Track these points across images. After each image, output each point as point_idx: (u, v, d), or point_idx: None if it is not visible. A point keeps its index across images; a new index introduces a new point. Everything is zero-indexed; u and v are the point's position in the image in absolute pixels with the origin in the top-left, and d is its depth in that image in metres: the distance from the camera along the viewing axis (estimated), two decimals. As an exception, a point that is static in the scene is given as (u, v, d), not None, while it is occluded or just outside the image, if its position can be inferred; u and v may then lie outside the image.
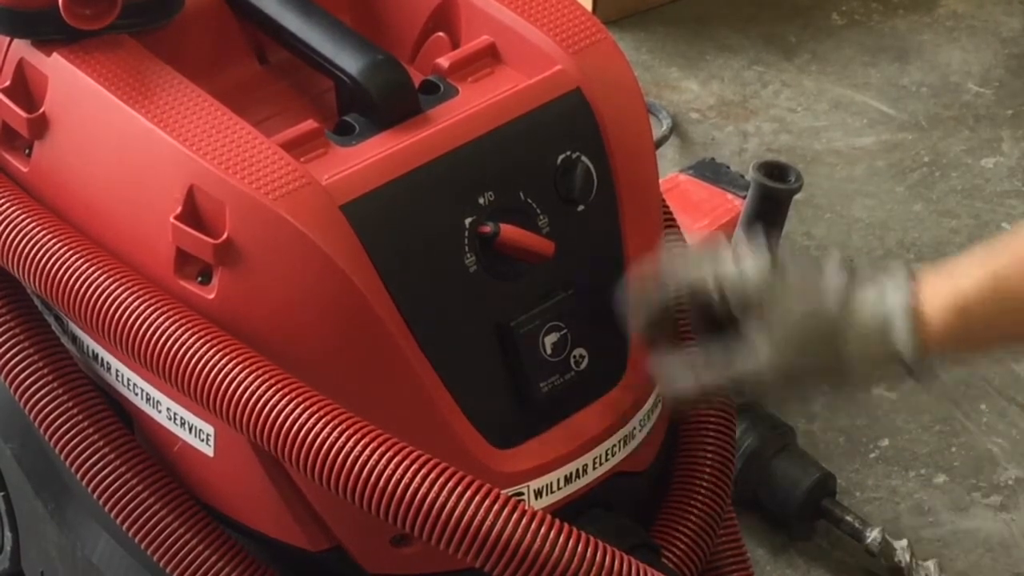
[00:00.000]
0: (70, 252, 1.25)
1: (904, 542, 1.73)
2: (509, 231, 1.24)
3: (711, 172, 2.03)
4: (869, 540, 1.73)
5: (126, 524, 1.28)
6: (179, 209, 1.21)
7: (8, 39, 1.31)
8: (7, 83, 1.31)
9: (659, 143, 2.21)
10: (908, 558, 1.72)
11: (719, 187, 2.01)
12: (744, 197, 1.87)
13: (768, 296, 1.19)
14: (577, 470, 1.28)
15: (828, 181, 2.21)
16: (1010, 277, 1.15)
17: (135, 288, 1.22)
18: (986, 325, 1.16)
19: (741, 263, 1.21)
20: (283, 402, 1.14)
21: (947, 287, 1.16)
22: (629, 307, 1.24)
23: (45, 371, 1.32)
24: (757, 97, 2.36)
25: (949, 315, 1.16)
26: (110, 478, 1.28)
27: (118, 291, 1.22)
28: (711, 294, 1.22)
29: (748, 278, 1.20)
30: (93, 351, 1.32)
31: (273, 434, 1.14)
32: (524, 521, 1.11)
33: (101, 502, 1.29)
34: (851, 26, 2.49)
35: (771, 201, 1.80)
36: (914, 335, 1.16)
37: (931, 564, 1.73)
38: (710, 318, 1.22)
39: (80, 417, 1.30)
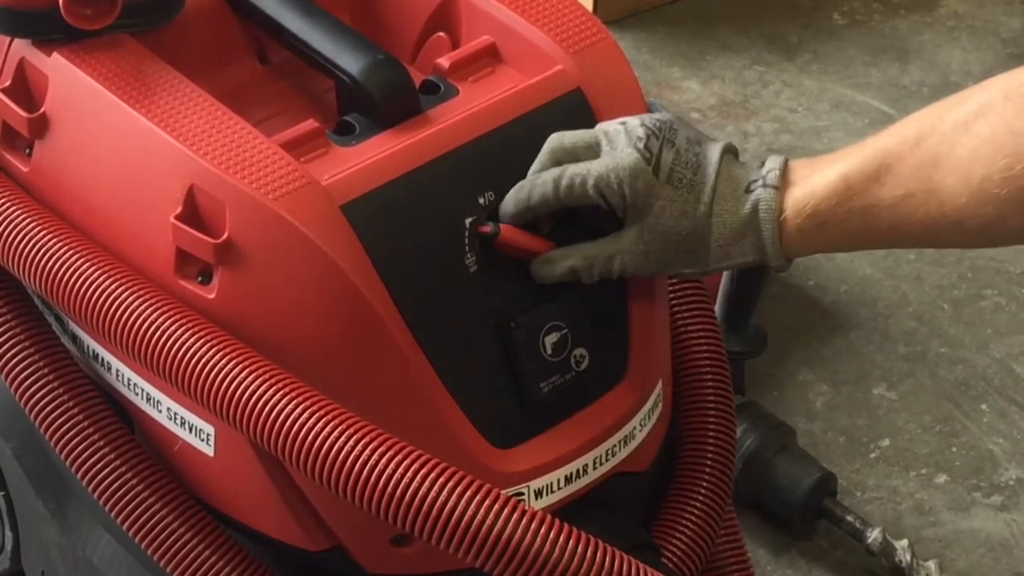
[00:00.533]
0: (70, 252, 1.25)
1: (905, 542, 1.73)
2: (509, 231, 1.24)
3: (712, 172, 2.03)
4: (870, 540, 1.73)
5: (126, 524, 1.28)
6: (179, 209, 1.21)
7: (8, 39, 1.31)
8: (7, 83, 1.31)
9: (660, 143, 2.21)
10: (909, 558, 1.72)
11: (720, 187, 2.01)
12: (745, 197, 1.87)
13: (644, 196, 1.22)
14: (577, 470, 1.28)
15: (829, 181, 2.21)
16: (857, 181, 1.19)
17: (135, 288, 1.22)
18: (836, 227, 1.20)
19: (612, 156, 1.22)
20: (283, 402, 1.14)
21: (804, 189, 1.21)
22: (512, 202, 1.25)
23: (46, 371, 1.32)
24: (758, 97, 2.36)
25: (804, 218, 1.20)
26: (110, 478, 1.28)
27: (118, 291, 1.22)
28: (589, 200, 1.23)
29: (624, 177, 1.22)
30: (93, 351, 1.32)
31: (273, 434, 1.14)
32: (524, 521, 1.11)
33: (101, 502, 1.29)
34: (852, 26, 2.49)
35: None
36: (774, 238, 1.21)
37: (932, 564, 1.73)
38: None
39: (80, 417, 1.30)
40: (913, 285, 2.08)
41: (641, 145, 1.23)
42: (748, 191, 1.22)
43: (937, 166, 1.16)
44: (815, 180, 1.21)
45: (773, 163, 1.23)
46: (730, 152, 1.25)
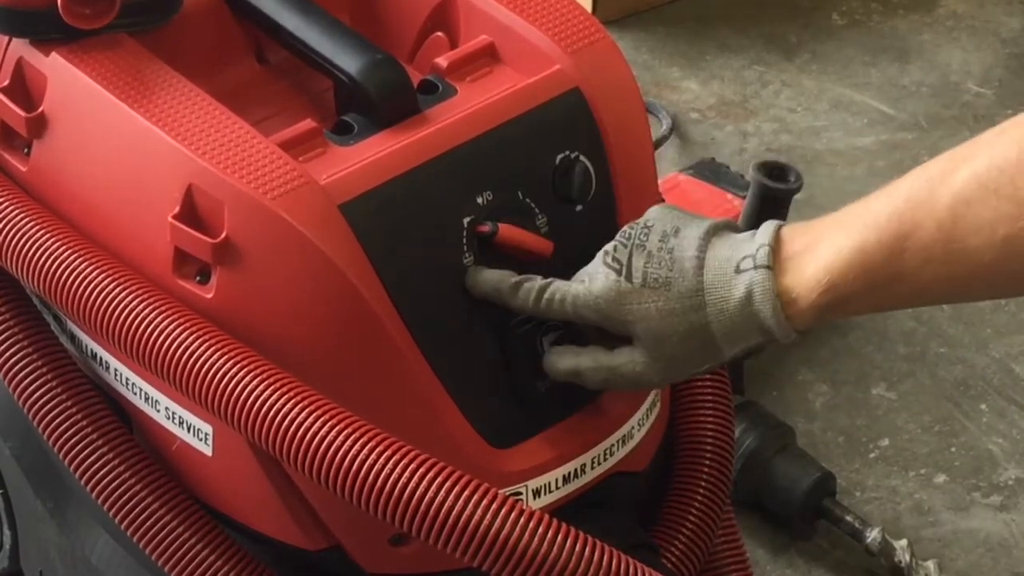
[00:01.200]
0: (69, 251, 1.25)
1: (904, 542, 1.73)
2: (507, 230, 1.24)
3: (711, 172, 2.04)
4: (869, 540, 1.73)
5: (125, 523, 1.28)
6: (177, 208, 1.21)
7: (7, 38, 1.31)
8: (6, 82, 1.31)
9: (659, 143, 2.21)
10: (908, 558, 1.72)
11: (719, 187, 2.01)
12: (744, 197, 1.86)
13: (620, 308, 1.19)
14: (575, 470, 1.28)
15: (828, 181, 2.21)
16: (876, 253, 1.13)
17: (134, 287, 1.22)
18: (856, 299, 1.15)
19: (590, 280, 1.21)
20: (281, 401, 1.14)
21: (815, 264, 1.15)
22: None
23: (44, 370, 1.32)
24: (757, 97, 2.36)
25: (819, 295, 1.14)
26: (109, 477, 1.28)
27: (116, 290, 1.22)
28: (571, 318, 1.22)
29: (598, 296, 1.20)
30: (92, 350, 1.32)
31: (271, 433, 1.14)
32: (522, 521, 1.11)
33: (100, 501, 1.29)
34: (851, 26, 2.49)
35: (771, 201, 1.80)
36: (779, 315, 1.15)
37: (931, 564, 1.73)
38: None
39: (79, 416, 1.30)
40: (913, 285, 2.08)
41: (609, 259, 1.20)
42: (738, 271, 1.17)
43: (957, 227, 1.10)
44: (824, 253, 1.15)
45: (764, 236, 1.17)
46: (719, 230, 1.20)
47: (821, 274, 1.14)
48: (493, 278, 1.23)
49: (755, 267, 1.16)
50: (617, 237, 1.22)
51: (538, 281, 1.23)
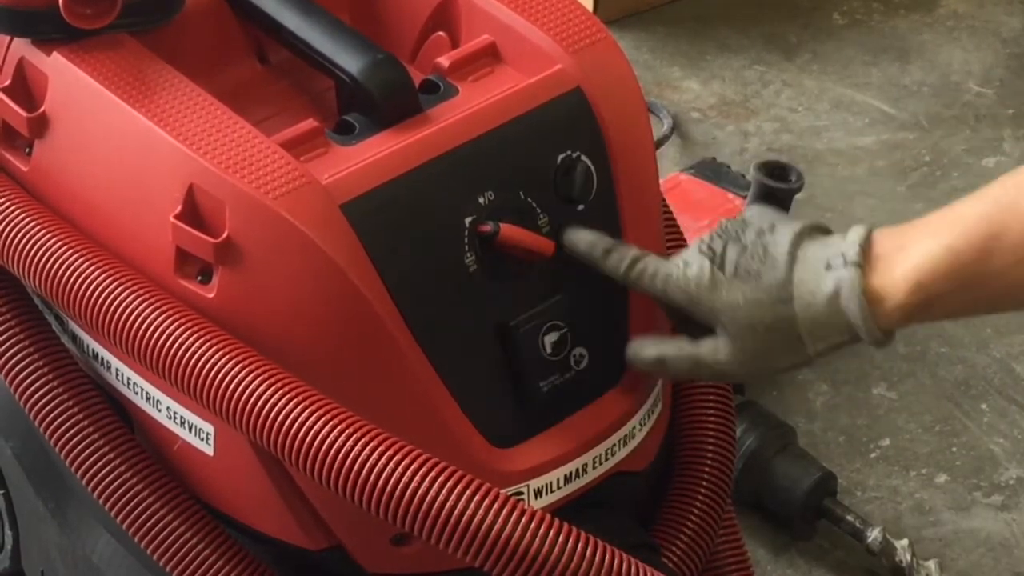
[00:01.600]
0: (70, 251, 1.25)
1: (905, 542, 1.73)
2: (509, 230, 1.24)
3: (712, 172, 2.03)
4: (870, 540, 1.73)
5: (126, 523, 1.28)
6: (179, 208, 1.21)
7: (8, 38, 1.31)
8: (7, 82, 1.31)
9: (660, 143, 2.21)
10: (909, 558, 1.72)
11: (720, 187, 2.01)
12: (745, 197, 1.86)
13: (711, 294, 1.21)
14: (577, 469, 1.28)
15: (829, 181, 2.21)
16: (966, 253, 1.14)
17: (135, 287, 1.22)
18: (943, 301, 1.16)
19: (685, 265, 1.22)
20: (283, 401, 1.14)
21: (904, 264, 1.16)
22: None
23: (45, 370, 1.32)
24: (758, 97, 2.36)
25: (906, 295, 1.16)
26: (110, 477, 1.28)
27: (118, 290, 1.22)
28: (659, 295, 1.24)
29: (690, 279, 1.22)
30: (93, 350, 1.32)
31: (272, 433, 1.14)
32: (524, 520, 1.11)
33: (101, 501, 1.29)
34: (852, 26, 2.49)
35: (772, 201, 1.80)
36: (866, 313, 1.16)
37: (932, 564, 1.73)
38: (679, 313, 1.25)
39: (80, 416, 1.30)
40: (913, 285, 2.08)
41: (704, 247, 1.22)
42: (828, 268, 1.18)
43: None
44: (913, 254, 1.16)
45: (856, 236, 1.18)
46: (813, 231, 1.21)
47: (910, 274, 1.16)
48: (588, 238, 1.25)
49: (845, 264, 1.17)
50: (715, 229, 1.23)
51: (632, 251, 1.25)
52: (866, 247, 1.18)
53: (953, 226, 1.16)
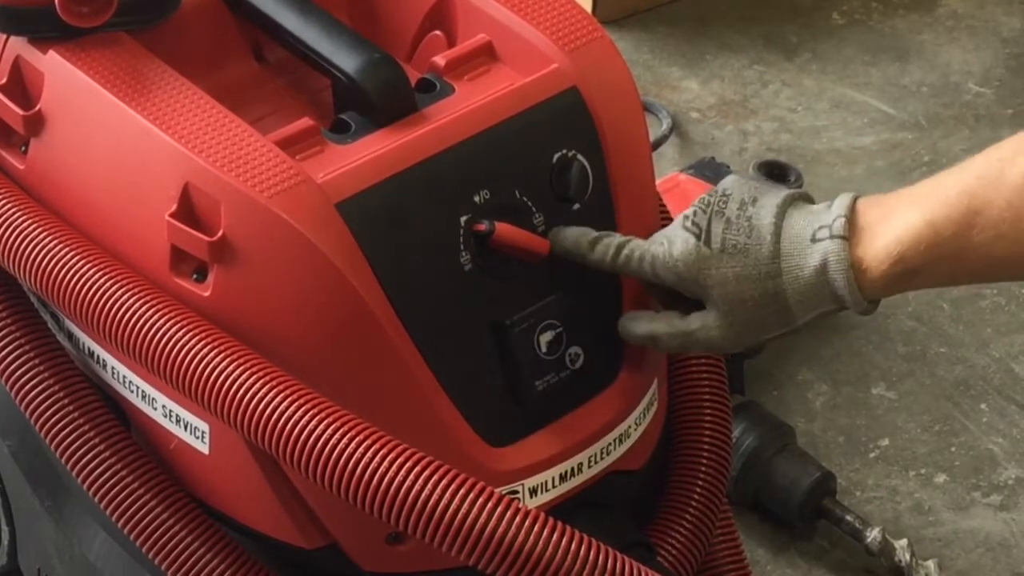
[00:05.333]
0: (66, 249, 1.25)
1: (904, 541, 1.73)
2: (504, 229, 1.24)
3: (711, 172, 2.03)
4: (869, 540, 1.73)
5: (122, 521, 1.28)
6: (174, 207, 1.21)
7: (4, 36, 1.31)
8: (3, 80, 1.31)
9: (659, 142, 2.21)
10: (908, 557, 1.72)
11: (719, 186, 2.00)
12: (744, 196, 1.86)
13: (699, 272, 1.21)
14: (572, 468, 1.28)
15: (828, 180, 2.21)
16: (946, 227, 1.15)
17: (131, 285, 1.22)
18: (925, 272, 1.17)
19: (670, 243, 1.23)
20: (278, 399, 1.14)
21: (886, 236, 1.17)
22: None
23: (41, 368, 1.32)
24: (757, 96, 2.36)
25: (888, 266, 1.17)
26: (106, 475, 1.28)
27: (114, 288, 1.22)
28: (648, 277, 1.24)
29: (677, 259, 1.22)
30: (89, 348, 1.32)
31: (268, 431, 1.14)
32: (518, 519, 1.11)
33: (97, 499, 1.29)
34: (851, 26, 2.49)
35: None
36: (852, 284, 1.18)
37: (931, 564, 1.73)
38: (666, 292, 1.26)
39: (76, 414, 1.30)
40: (913, 285, 2.08)
41: (688, 223, 1.23)
42: (814, 240, 1.19)
43: None
44: (896, 225, 1.17)
45: (840, 207, 1.19)
46: (796, 200, 1.22)
47: (892, 246, 1.17)
48: (573, 234, 1.26)
49: (831, 237, 1.18)
50: (695, 203, 1.24)
51: (616, 238, 1.25)
52: (851, 218, 1.18)
53: (936, 198, 1.16)
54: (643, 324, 1.27)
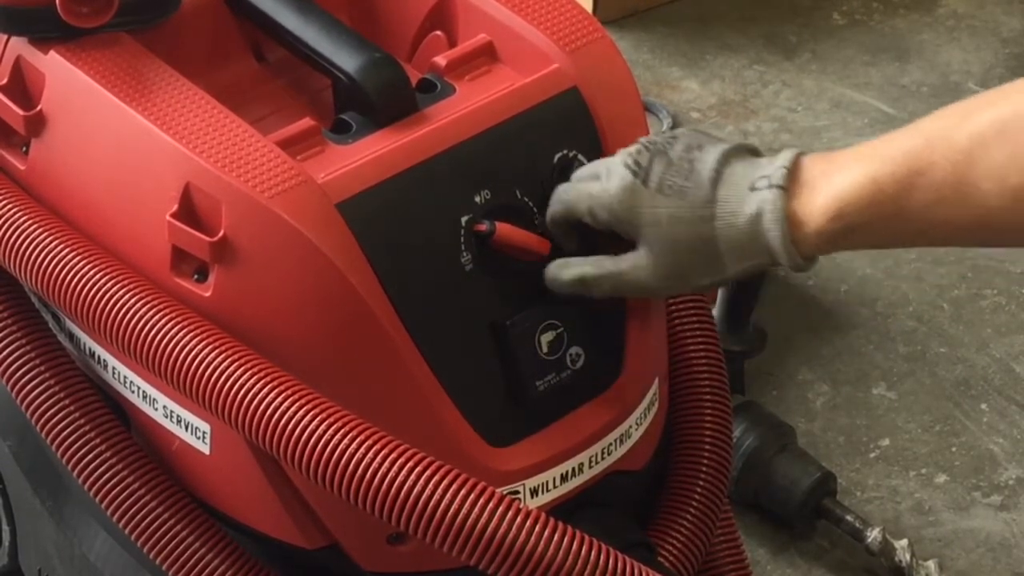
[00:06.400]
0: (67, 250, 1.25)
1: (904, 542, 1.73)
2: (505, 229, 1.24)
3: (711, 171, 2.03)
4: (870, 540, 1.73)
5: (123, 522, 1.28)
6: (175, 207, 1.21)
7: (5, 37, 1.31)
8: (4, 81, 1.31)
9: (660, 142, 2.21)
10: (909, 558, 1.72)
11: (719, 186, 2.00)
12: (744, 196, 1.86)
13: (633, 210, 1.20)
14: (573, 468, 1.28)
15: (829, 181, 2.21)
16: (889, 186, 1.13)
17: (132, 286, 1.22)
18: (863, 231, 1.16)
19: (607, 178, 1.22)
20: (279, 399, 1.14)
21: (826, 191, 1.15)
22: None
23: (42, 368, 1.32)
24: (758, 96, 2.36)
25: (826, 221, 1.15)
26: (107, 476, 1.28)
27: (115, 289, 1.22)
28: (584, 216, 1.23)
29: (612, 195, 1.21)
30: (90, 349, 1.32)
31: (269, 431, 1.14)
32: (519, 519, 1.11)
33: (98, 500, 1.29)
34: (852, 26, 2.49)
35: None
36: (786, 237, 1.16)
37: (932, 564, 1.73)
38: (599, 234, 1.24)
39: (77, 415, 1.30)
40: (913, 285, 2.08)
41: (630, 160, 1.21)
42: (753, 189, 1.18)
43: (971, 169, 1.11)
44: (838, 181, 1.15)
45: (784, 159, 1.18)
46: (742, 151, 1.21)
47: (831, 201, 1.15)
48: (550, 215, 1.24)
49: (769, 187, 1.17)
50: (641, 140, 1.22)
51: (558, 189, 1.24)
52: (793, 170, 1.17)
53: (882, 156, 1.15)
54: (573, 269, 1.24)
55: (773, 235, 1.17)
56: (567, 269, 1.25)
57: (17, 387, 1.32)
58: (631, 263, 1.22)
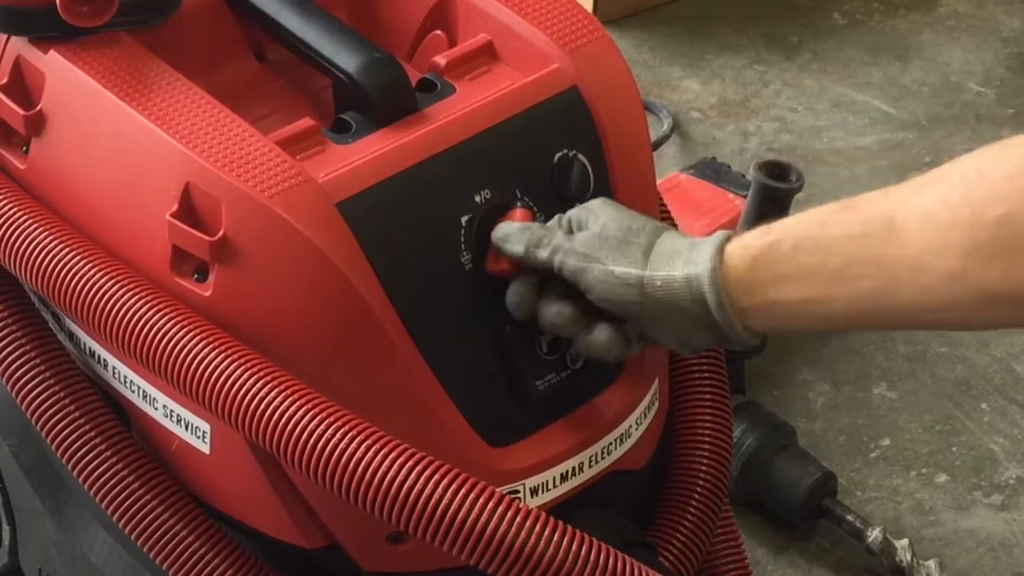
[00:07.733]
0: (67, 249, 1.25)
1: (905, 541, 1.73)
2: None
3: (712, 171, 2.03)
4: (870, 539, 1.73)
5: (123, 521, 1.28)
6: (175, 206, 1.21)
7: (5, 36, 1.31)
8: (4, 80, 1.31)
9: (660, 142, 2.21)
10: (909, 557, 1.72)
11: (720, 187, 2.01)
12: (745, 197, 1.87)
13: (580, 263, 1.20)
14: (573, 468, 1.28)
15: (829, 180, 2.21)
16: (817, 215, 1.15)
17: (132, 285, 1.22)
18: (784, 271, 1.16)
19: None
20: (279, 399, 1.14)
21: (743, 245, 1.17)
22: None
23: (42, 368, 1.32)
24: (758, 96, 2.36)
25: (738, 270, 1.16)
26: (107, 475, 1.28)
27: (115, 288, 1.22)
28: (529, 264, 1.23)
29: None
30: (90, 348, 1.32)
31: (269, 431, 1.14)
32: (520, 519, 1.11)
33: (98, 499, 1.29)
34: (852, 25, 2.49)
35: (772, 201, 1.80)
36: (716, 287, 1.17)
37: (932, 563, 1.73)
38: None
39: (77, 415, 1.30)
40: (913, 285, 2.08)
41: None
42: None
43: (903, 208, 1.15)
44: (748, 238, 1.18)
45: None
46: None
47: (748, 250, 1.17)
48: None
49: (704, 252, 1.18)
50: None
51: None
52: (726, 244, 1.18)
53: (801, 219, 1.16)
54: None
55: (706, 286, 1.17)
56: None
57: (17, 387, 1.32)
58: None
